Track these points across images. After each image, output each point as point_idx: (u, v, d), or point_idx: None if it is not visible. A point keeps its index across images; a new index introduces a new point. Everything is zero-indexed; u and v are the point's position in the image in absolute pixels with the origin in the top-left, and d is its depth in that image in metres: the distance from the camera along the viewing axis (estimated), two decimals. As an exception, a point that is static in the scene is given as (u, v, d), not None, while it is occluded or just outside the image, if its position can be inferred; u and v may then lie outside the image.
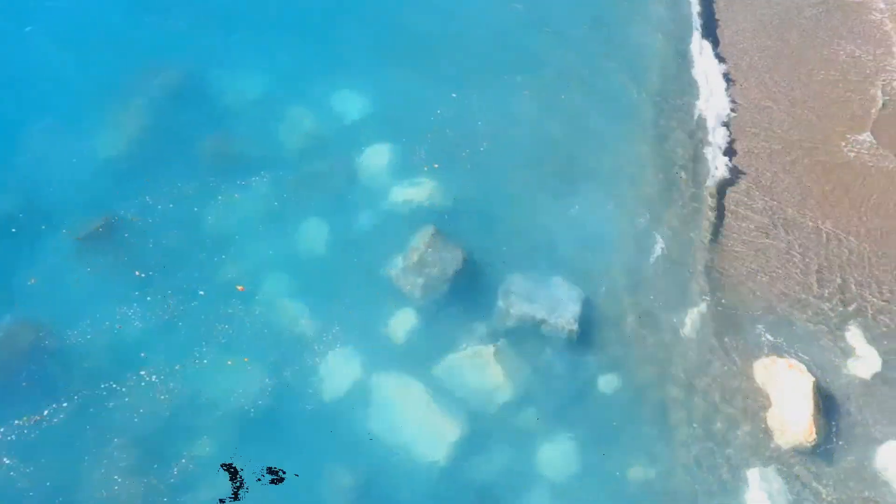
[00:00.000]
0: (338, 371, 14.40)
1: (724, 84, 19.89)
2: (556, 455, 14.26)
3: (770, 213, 17.78)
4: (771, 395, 15.17)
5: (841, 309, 16.42)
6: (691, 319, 16.05)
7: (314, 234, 15.90)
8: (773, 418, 14.94)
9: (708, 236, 17.26)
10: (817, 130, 19.24)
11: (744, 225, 17.58)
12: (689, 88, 19.78)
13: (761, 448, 14.75)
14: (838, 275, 16.91)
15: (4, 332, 13.86)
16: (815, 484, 14.44)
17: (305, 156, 16.99)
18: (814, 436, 14.54)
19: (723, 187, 18.13)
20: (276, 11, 19.33)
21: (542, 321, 15.32)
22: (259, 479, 13.12)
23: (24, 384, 13.53)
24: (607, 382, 15.15)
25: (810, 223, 17.66)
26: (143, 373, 13.88)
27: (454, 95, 18.37)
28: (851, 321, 16.28)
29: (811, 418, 14.61)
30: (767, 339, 15.92)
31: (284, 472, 13.21)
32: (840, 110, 19.68)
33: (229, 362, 14.16)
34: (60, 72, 17.31)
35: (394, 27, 19.43)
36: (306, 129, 17.37)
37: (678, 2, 21.55)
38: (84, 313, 14.37)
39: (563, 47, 19.91)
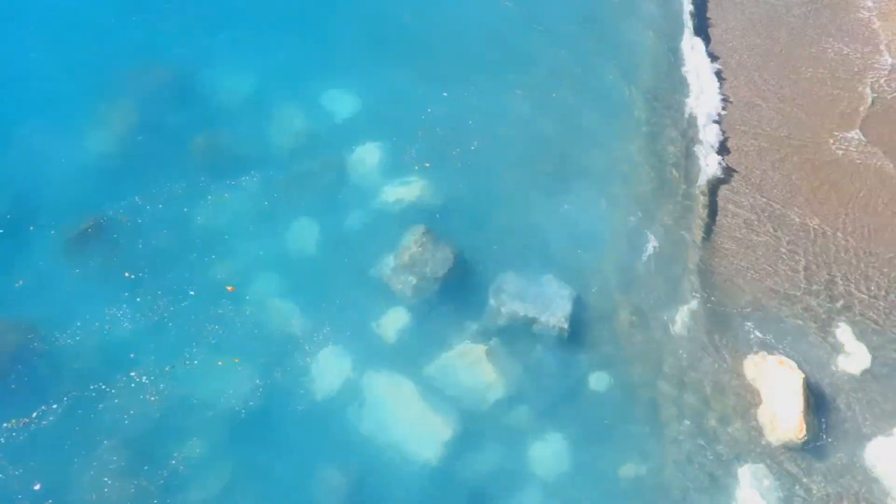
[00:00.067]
0: (329, 371, 14.37)
1: (714, 82, 19.96)
2: (548, 453, 14.28)
3: (759, 210, 17.85)
4: (761, 392, 15.23)
5: (830, 306, 16.50)
6: (682, 317, 16.09)
7: (305, 234, 15.87)
8: (764, 415, 15.00)
9: (699, 234, 17.31)
10: (806, 128, 19.33)
11: (734, 222, 17.64)
12: (679, 86, 19.85)
13: (752, 445, 14.80)
14: (827, 272, 16.99)
15: (-7, 334, 13.78)
16: (805, 480, 14.51)
17: (296, 155, 16.94)
18: (804, 432, 14.60)
19: (713, 185, 18.19)
20: (266, 10, 19.27)
21: (534, 320, 15.33)
22: None
23: (12, 386, 13.44)
24: (599, 380, 15.17)
25: (799, 220, 17.74)
26: (132, 374, 13.81)
27: (445, 94, 18.36)
28: (841, 318, 16.36)
29: (801, 415, 14.67)
30: (757, 336, 15.98)
31: None
32: (828, 108, 19.77)
33: (220, 363, 14.12)
34: (49, 71, 17.20)
35: (384, 26, 19.42)
36: (297, 129, 17.34)
37: (669, 0, 21.61)
38: (73, 314, 14.30)
39: (555, 45, 19.93)
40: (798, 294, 16.59)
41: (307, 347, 14.56)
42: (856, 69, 20.59)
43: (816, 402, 15.20)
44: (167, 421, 13.46)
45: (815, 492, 14.38)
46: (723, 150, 18.79)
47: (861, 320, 16.35)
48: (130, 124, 16.70)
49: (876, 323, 16.35)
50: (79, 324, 14.20)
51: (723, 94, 19.79)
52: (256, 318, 14.68)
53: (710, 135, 18.93)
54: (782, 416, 14.74)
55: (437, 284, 15.43)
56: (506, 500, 13.84)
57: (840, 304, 16.54)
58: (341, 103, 17.85)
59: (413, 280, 15.32)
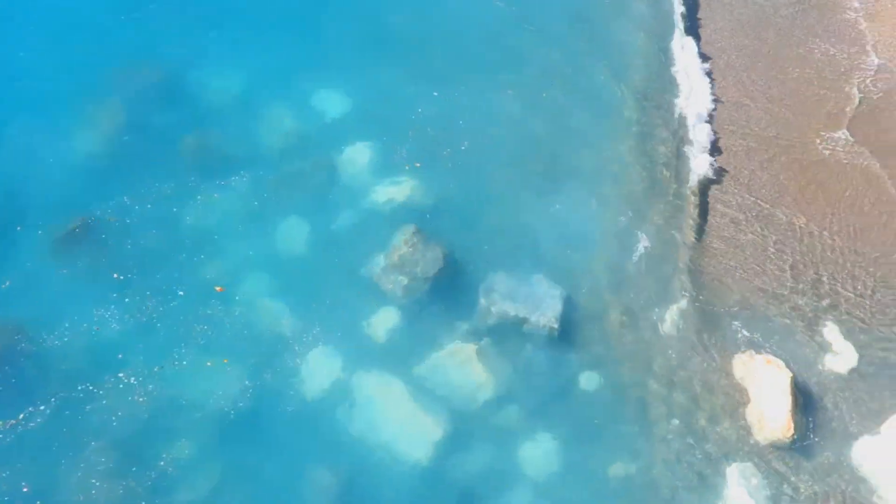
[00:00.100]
0: (319, 371, 14.34)
1: (703, 82, 20.03)
2: (538, 452, 14.30)
3: (748, 209, 17.94)
4: (749, 391, 15.30)
5: (817, 304, 16.61)
6: (671, 316, 16.15)
7: (294, 234, 15.83)
8: (752, 414, 15.08)
9: (689, 234, 17.38)
10: (794, 128, 19.45)
11: (723, 222, 17.73)
12: (670, 86, 19.91)
13: (740, 444, 14.87)
14: (814, 271, 17.10)
15: (-21, 335, 13.69)
16: (793, 479, 14.60)
17: (286, 155, 16.90)
18: (792, 431, 14.68)
19: (703, 185, 18.25)
20: (256, 9, 19.21)
21: (524, 319, 15.36)
22: None
23: (-1, 387, 13.36)
24: (588, 380, 15.20)
25: (787, 219, 17.84)
26: (121, 375, 13.75)
27: (436, 94, 18.35)
28: (828, 316, 16.46)
29: (789, 414, 14.76)
30: (746, 336, 16.06)
31: None
32: (815, 108, 19.90)
33: (209, 363, 14.06)
34: (36, 70, 17.12)
35: (375, 25, 19.39)
36: (287, 128, 17.30)
37: (659, 0, 21.68)
38: (61, 315, 14.21)
39: (545, 45, 19.96)
40: (786, 293, 16.70)
41: (297, 348, 14.53)
42: (842, 69, 20.73)
43: (804, 401, 15.29)
44: (155, 422, 13.40)
45: (802, 490, 14.48)
46: (712, 150, 18.86)
47: (848, 319, 16.47)
48: (119, 123, 16.61)
49: (863, 322, 16.47)
50: (66, 324, 14.12)
51: (712, 95, 19.87)
52: (246, 318, 14.63)
53: (699, 135, 19.00)
54: (770, 415, 14.82)
55: (428, 284, 15.43)
56: (496, 500, 13.85)
57: (827, 302, 16.66)
58: (331, 103, 17.82)
59: (403, 280, 15.31)
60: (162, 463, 13.10)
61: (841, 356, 16.01)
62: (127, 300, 14.47)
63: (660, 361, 15.62)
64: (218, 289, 14.85)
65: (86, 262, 14.81)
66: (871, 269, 17.25)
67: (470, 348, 14.98)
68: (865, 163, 18.95)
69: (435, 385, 14.56)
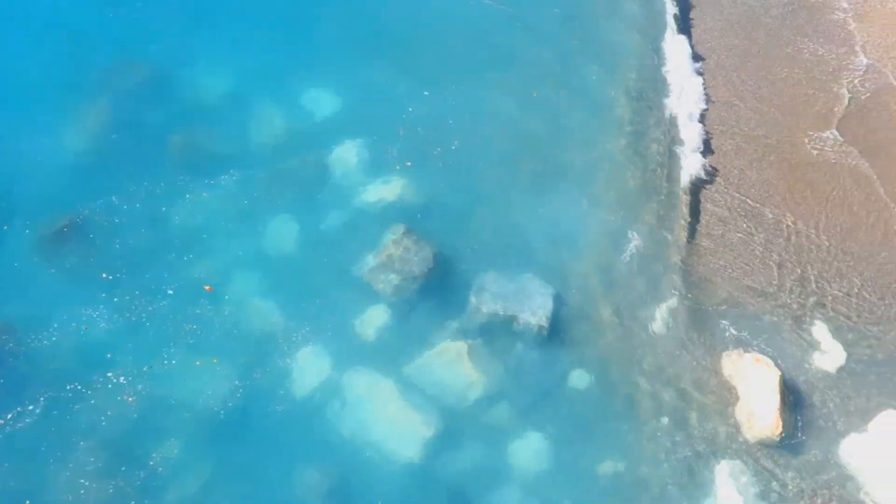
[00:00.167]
0: (309, 370, 14.33)
1: (694, 82, 20.09)
2: (528, 450, 14.34)
3: (737, 209, 18.02)
4: (738, 389, 15.39)
5: (805, 303, 16.71)
6: (661, 315, 16.22)
7: (284, 233, 15.79)
8: (741, 412, 15.17)
9: (679, 233, 17.45)
10: (783, 128, 19.54)
11: (713, 221, 17.80)
12: (661, 86, 19.98)
13: (729, 441, 14.96)
14: (803, 270, 17.20)
15: (-34, 336, 13.61)
16: (781, 476, 14.69)
17: (276, 154, 16.85)
18: (780, 429, 14.77)
19: (693, 184, 18.34)
20: (246, 7, 19.15)
21: (515, 318, 15.38)
22: None
23: (-13, 387, 13.29)
24: (578, 378, 15.26)
25: (776, 219, 17.93)
26: (110, 374, 13.68)
27: (426, 93, 18.34)
28: (816, 315, 16.57)
29: (778, 412, 14.84)
30: (735, 334, 16.15)
31: None
32: (805, 108, 20.00)
33: (198, 363, 14.02)
34: (23, 67, 16.98)
35: (365, 24, 19.35)
36: (277, 127, 17.24)
37: (650, 0, 21.75)
38: (49, 315, 14.13)
39: (537, 44, 20.00)
40: (774, 292, 16.78)
41: (287, 347, 14.50)
42: (831, 69, 20.84)
43: (792, 399, 15.39)
44: (145, 422, 13.35)
45: (790, 488, 14.57)
46: (702, 149, 18.94)
47: (836, 317, 16.58)
48: (107, 122, 16.52)
49: (850, 320, 16.58)
50: (55, 324, 14.03)
51: (702, 95, 19.93)
52: (235, 317, 14.59)
53: (690, 134, 19.09)
54: (759, 414, 14.91)
55: (418, 283, 15.43)
56: (486, 498, 13.88)
57: (815, 301, 16.76)
58: (321, 102, 17.78)
59: (393, 279, 15.31)
60: (151, 462, 13.06)
61: (829, 354, 16.12)
62: (115, 299, 14.40)
63: (649, 360, 15.68)
64: (207, 288, 14.80)
65: (74, 262, 14.72)
66: (859, 268, 17.36)
67: (460, 347, 14.99)
68: (854, 162, 19.07)
69: (425, 384, 14.57)
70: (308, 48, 18.70)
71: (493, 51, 19.62)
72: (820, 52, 21.20)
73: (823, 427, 15.32)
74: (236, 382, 13.97)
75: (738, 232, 17.63)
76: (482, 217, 16.88)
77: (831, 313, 16.61)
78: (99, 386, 13.58)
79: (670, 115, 19.45)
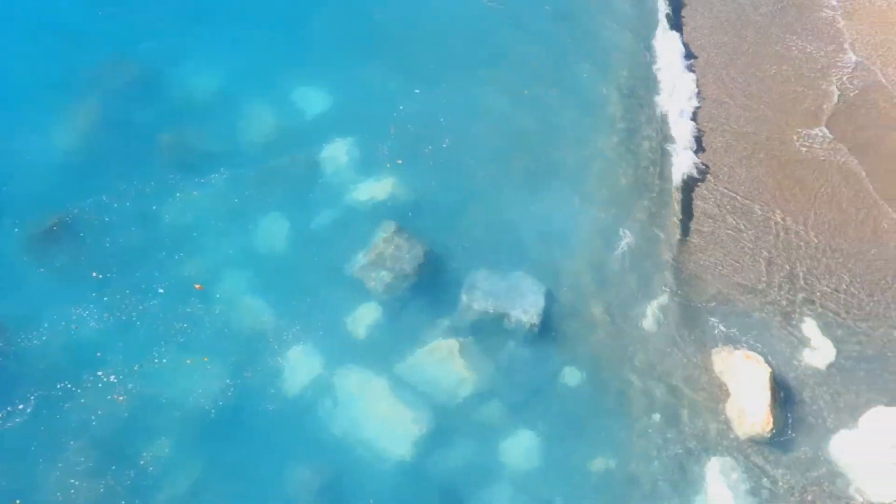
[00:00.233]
0: (300, 369, 14.31)
1: (685, 79, 20.14)
2: (520, 448, 14.36)
3: (727, 205, 18.07)
4: (729, 386, 15.44)
5: (795, 300, 16.77)
6: (653, 312, 16.26)
7: (275, 231, 15.76)
8: (732, 409, 15.22)
9: (670, 230, 17.49)
10: (772, 125, 19.61)
11: (703, 218, 17.85)
12: (652, 84, 20.03)
13: (720, 438, 15.02)
14: (792, 267, 17.27)
15: (-45, 335, 13.54)
16: (772, 472, 14.76)
17: (266, 152, 16.81)
18: (771, 426, 14.83)
19: (683, 181, 18.37)
20: (236, 4, 19.10)
21: (506, 316, 15.40)
22: None
23: (-24, 387, 13.23)
24: (570, 375, 15.28)
25: (765, 215, 18.00)
26: (100, 373, 13.64)
27: (417, 91, 18.33)
28: (806, 312, 16.64)
29: (768, 409, 14.90)
30: (726, 331, 16.21)
31: None
32: (794, 105, 20.08)
33: (189, 361, 13.98)
34: (12, 66, 16.89)
35: (356, 21, 19.34)
36: (267, 125, 17.20)
37: (642, -1, 21.86)
38: (39, 314, 14.07)
39: (529, 42, 20.01)
40: (764, 289, 16.85)
41: (277, 345, 14.47)
42: (820, 67, 20.93)
43: (783, 395, 15.45)
44: (135, 421, 13.31)
45: (781, 484, 14.64)
46: (692, 147, 18.98)
47: (825, 314, 16.65)
48: (97, 120, 16.45)
49: (840, 316, 16.66)
50: (45, 323, 13.98)
51: (692, 92, 19.98)
52: (226, 316, 14.56)
53: (681, 132, 19.13)
54: (750, 410, 14.96)
55: (409, 281, 15.42)
56: (478, 495, 13.89)
57: (805, 298, 16.83)
58: (312, 100, 17.75)
59: (385, 277, 15.30)
60: (142, 462, 13.03)
61: (819, 351, 16.19)
62: (106, 298, 14.35)
63: (640, 357, 15.72)
64: (197, 286, 14.76)
65: (64, 261, 14.67)
66: (848, 265, 17.45)
67: (451, 345, 14.99)
68: (843, 159, 19.15)
69: (416, 382, 14.57)
70: (299, 46, 18.66)
71: (484, 48, 19.62)
72: (809, 50, 21.29)
73: (813, 423, 15.39)
74: (227, 381, 13.94)
75: (728, 229, 17.70)
76: (473, 215, 16.88)
77: (820, 310, 16.69)
78: (89, 385, 13.53)
79: (661, 112, 19.50)
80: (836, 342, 16.28)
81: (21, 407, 13.16)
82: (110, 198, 15.42)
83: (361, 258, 15.51)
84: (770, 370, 15.35)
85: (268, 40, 18.47)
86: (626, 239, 17.14)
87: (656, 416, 15.05)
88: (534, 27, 20.34)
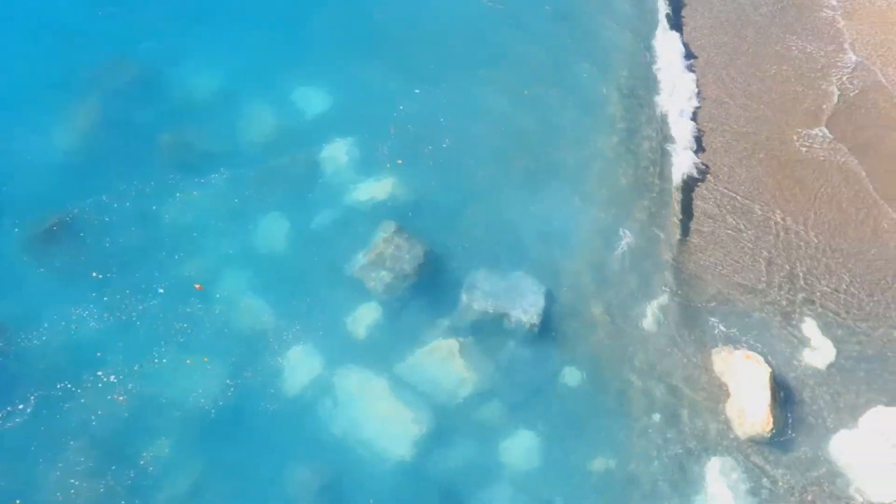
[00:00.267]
0: (300, 369, 14.30)
1: (685, 79, 20.14)
2: (520, 448, 14.36)
3: (727, 205, 18.07)
4: (729, 386, 15.44)
5: (795, 300, 16.77)
6: (652, 312, 16.26)
7: (275, 231, 15.76)
8: (732, 409, 15.22)
9: (670, 230, 17.49)
10: (773, 125, 19.61)
11: (702, 218, 17.85)
12: (652, 84, 20.03)
13: (720, 438, 15.02)
14: (792, 267, 17.27)
15: (-45, 335, 13.54)
16: (772, 472, 14.76)
17: (266, 152, 16.81)
18: (771, 426, 14.83)
19: (683, 182, 18.38)
20: (236, 4, 19.10)
21: (506, 315, 15.40)
22: None
23: (-24, 387, 13.23)
24: (570, 375, 15.28)
25: (765, 215, 18.00)
26: (100, 373, 13.64)
27: (417, 91, 18.33)
28: (806, 312, 16.64)
29: (768, 409, 14.90)
30: (726, 331, 16.20)
31: None
32: (794, 105, 20.08)
33: (189, 361, 13.98)
34: (12, 66, 16.88)
35: (357, 21, 19.35)
36: (267, 125, 17.21)
37: (642, -1, 21.87)
38: (39, 314, 14.07)
39: (529, 42, 20.02)
40: (764, 289, 16.85)
41: (277, 345, 14.47)
42: (820, 67, 20.93)
43: (783, 395, 15.45)
44: (135, 421, 13.31)
45: (781, 484, 14.64)
46: (693, 147, 18.99)
47: (825, 314, 16.65)
48: (97, 120, 16.45)
49: (840, 316, 16.66)
50: (45, 323, 13.98)
51: (693, 92, 19.99)
52: (226, 316, 14.55)
53: (681, 131, 19.13)
54: (750, 410, 14.96)
55: (409, 281, 15.42)
56: (478, 495, 13.88)
57: (805, 298, 16.83)
58: (312, 100, 17.76)
59: (385, 277, 15.30)
60: (142, 462, 13.02)
61: (819, 351, 16.19)
62: (106, 298, 14.35)
63: (641, 357, 15.72)
64: (197, 286, 14.76)
65: (64, 261, 14.67)
66: (848, 265, 17.45)
67: (451, 345, 14.98)
68: (843, 159, 19.16)
69: (416, 382, 14.57)
70: (299, 46, 18.66)
71: (484, 48, 19.63)
72: (809, 50, 21.30)
73: (813, 423, 15.39)
74: (227, 381, 13.94)
75: (728, 229, 17.70)
76: (474, 215, 16.88)
77: (820, 310, 16.69)
78: (89, 385, 13.53)
79: (661, 112, 19.50)
80: (836, 342, 16.28)
81: (21, 407, 13.16)
82: (110, 198, 15.42)
83: (361, 258, 15.51)
84: (770, 370, 15.35)
85: (268, 40, 18.47)
86: (626, 239, 17.14)
87: (656, 416, 15.05)
88: (534, 27, 20.35)
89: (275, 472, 13.40)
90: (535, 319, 15.45)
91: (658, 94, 19.84)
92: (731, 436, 15.04)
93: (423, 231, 16.07)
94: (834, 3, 22.54)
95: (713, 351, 15.90)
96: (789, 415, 15.35)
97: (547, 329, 15.59)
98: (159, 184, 15.77)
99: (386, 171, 16.90)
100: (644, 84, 20.00)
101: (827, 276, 17.19)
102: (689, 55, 20.75)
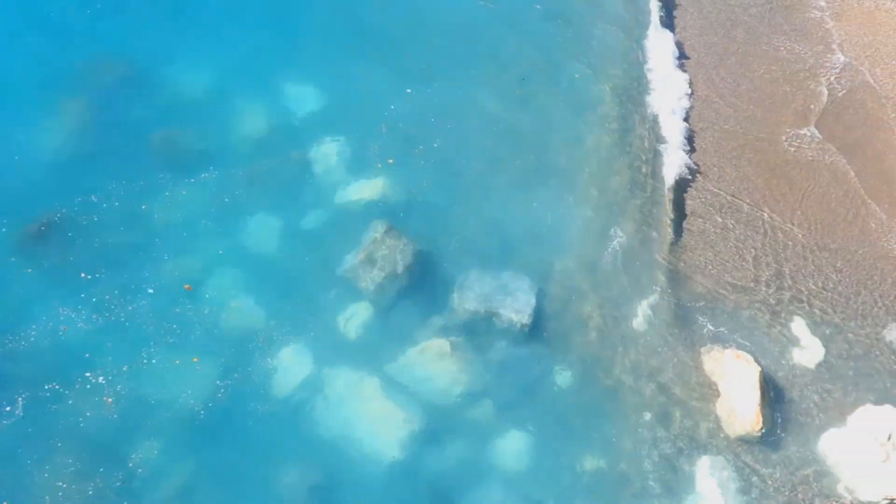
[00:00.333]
0: (291, 369, 14.24)
1: (676, 79, 20.21)
2: (511, 447, 14.35)
3: (717, 205, 18.15)
4: (719, 385, 15.50)
5: (785, 299, 16.86)
6: (643, 311, 16.29)
7: (266, 231, 15.68)
8: (722, 408, 15.28)
9: (661, 229, 17.54)
10: (762, 125, 19.70)
11: (693, 217, 17.92)
12: (644, 83, 20.07)
13: (711, 437, 15.07)
14: (782, 266, 17.36)
15: (-59, 336, 13.43)
16: (762, 471, 14.83)
17: (257, 151, 16.73)
18: (761, 425, 14.89)
19: (675, 181, 18.41)
20: (227, 3, 18.99)
21: (498, 315, 15.40)
22: None
23: (-37, 389, 13.11)
24: (561, 374, 15.30)
25: (755, 215, 18.08)
26: (89, 375, 13.54)
27: (409, 90, 18.30)
28: (795, 311, 16.73)
29: (758, 408, 14.96)
30: (716, 330, 16.27)
31: None
32: (783, 105, 20.19)
33: (178, 362, 13.90)
34: (0, 64, 16.73)
35: (348, 20, 19.29)
36: (258, 124, 17.12)
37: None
38: (27, 315, 13.95)
39: (521, 41, 20.02)
40: (754, 288, 16.93)
41: (268, 346, 14.39)
42: (809, 67, 21.05)
43: (773, 394, 15.53)
44: (124, 422, 13.21)
45: (770, 483, 14.71)
46: (682, 147, 19.05)
47: (815, 313, 16.75)
48: (86, 119, 16.33)
49: (829, 315, 16.76)
50: (33, 324, 13.86)
51: (683, 92, 20.05)
52: (216, 316, 14.46)
53: (672, 131, 19.20)
54: (740, 409, 15.02)
55: (400, 281, 15.40)
56: (469, 495, 13.87)
57: (795, 297, 16.92)
58: (304, 99, 17.69)
59: (376, 277, 15.27)
60: (131, 464, 12.93)
61: (808, 350, 16.29)
62: (94, 299, 14.23)
63: (632, 356, 15.75)
64: (186, 287, 14.68)
65: (53, 261, 14.54)
66: (837, 265, 17.56)
67: (443, 344, 14.95)
68: (831, 159, 19.28)
69: (408, 381, 14.54)
70: (290, 45, 18.60)
71: (476, 48, 19.62)
72: (798, 50, 21.41)
73: (803, 422, 15.48)
74: (217, 382, 13.85)
75: (718, 228, 17.77)
76: (465, 214, 16.87)
77: (809, 309, 16.79)
78: (78, 386, 13.42)
79: (652, 112, 19.54)
80: (825, 341, 16.39)
81: (8, 409, 13.03)
82: (99, 197, 15.30)
83: (352, 258, 15.47)
84: (760, 369, 15.42)
85: (259, 38, 18.39)
86: (618, 238, 17.18)
87: (647, 416, 15.09)
88: (526, 26, 20.37)
89: (265, 473, 13.35)
90: (527, 319, 15.46)
91: (649, 93, 19.91)
92: (722, 435, 15.10)
93: (415, 231, 16.04)
94: (822, 4, 22.67)
95: (703, 350, 15.96)
96: (779, 414, 15.43)
97: (538, 329, 15.61)
98: (149, 183, 15.66)
99: (377, 171, 16.87)
100: (636, 84, 20.06)
101: (815, 275, 17.29)
102: (680, 55, 20.82)
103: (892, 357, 16.46)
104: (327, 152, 16.97)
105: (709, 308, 16.51)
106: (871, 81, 20.87)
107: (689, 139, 19.19)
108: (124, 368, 13.67)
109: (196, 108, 17.04)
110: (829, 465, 15.01)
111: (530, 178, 17.62)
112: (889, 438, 14.91)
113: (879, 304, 17.10)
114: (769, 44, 21.51)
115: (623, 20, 21.34)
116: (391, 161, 17.07)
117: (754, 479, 14.71)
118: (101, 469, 12.79)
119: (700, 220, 17.87)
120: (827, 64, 21.16)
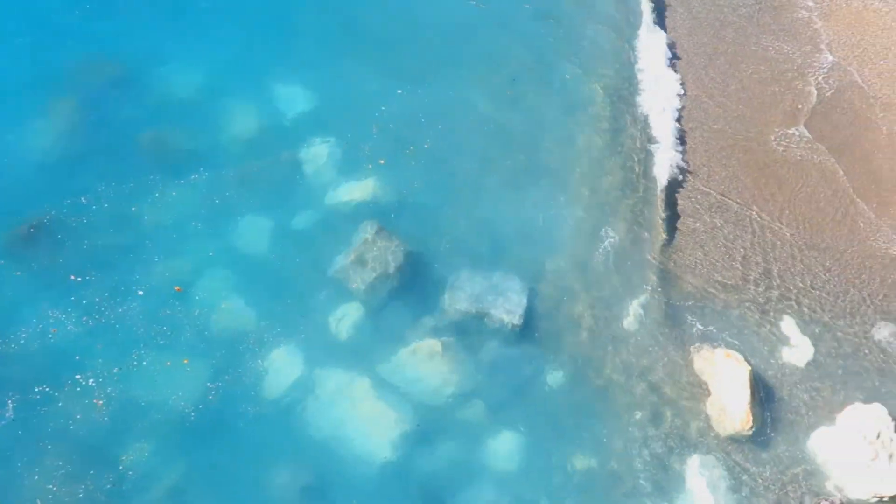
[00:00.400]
0: (282, 371, 14.21)
1: (666, 79, 20.27)
2: (503, 447, 14.37)
3: (708, 205, 18.20)
4: (710, 385, 15.55)
5: (774, 298, 16.94)
6: (634, 311, 16.32)
7: (256, 232, 15.65)
8: (712, 407, 15.33)
9: (652, 229, 17.59)
10: (751, 125, 19.78)
11: (683, 217, 17.96)
12: (634, 83, 20.11)
13: (701, 436, 15.11)
14: (772, 265, 17.43)
15: (-70, 339, 13.36)
16: (752, 470, 14.89)
17: (247, 152, 16.71)
18: (751, 424, 14.94)
19: (663, 181, 18.45)
20: (218, 2, 18.95)
21: (489, 315, 15.41)
22: None
23: (-49, 392, 13.04)
24: (552, 374, 15.31)
25: (745, 214, 18.15)
26: (78, 377, 13.49)
27: (400, 91, 18.30)
28: (785, 310, 16.80)
29: (748, 407, 15.01)
30: (706, 329, 16.31)
31: None
32: (772, 105, 20.27)
33: (168, 364, 13.86)
34: (-11, 65, 16.70)
35: (339, 20, 19.28)
36: (248, 125, 17.09)
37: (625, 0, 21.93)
38: (16, 318, 13.89)
39: (512, 41, 20.03)
40: (743, 287, 17.00)
41: (259, 347, 14.37)
42: (797, 67, 21.14)
43: (763, 393, 15.59)
44: (115, 424, 13.17)
45: (761, 481, 14.78)
46: (673, 146, 19.10)
47: (804, 312, 16.83)
48: (76, 120, 16.28)
49: (818, 314, 16.84)
50: (23, 327, 13.80)
51: (673, 92, 20.11)
52: (206, 318, 14.43)
53: (663, 131, 19.22)
54: (730, 409, 15.07)
55: (392, 281, 15.40)
56: (461, 495, 13.89)
57: (784, 296, 16.99)
58: (294, 99, 17.67)
59: (366, 277, 15.27)
60: (121, 466, 12.89)
61: (798, 349, 16.36)
62: (84, 301, 14.19)
63: (623, 356, 15.79)
64: (176, 288, 14.65)
65: (42, 263, 14.49)
66: (826, 264, 17.64)
67: (434, 345, 14.96)
68: (820, 159, 19.37)
69: (399, 382, 14.54)
70: (281, 45, 18.57)
71: (467, 48, 19.62)
72: (786, 50, 21.51)
73: (793, 421, 15.55)
74: (208, 383, 13.82)
75: (707, 227, 17.83)
76: (456, 215, 16.87)
77: (798, 307, 16.87)
78: (68, 389, 13.37)
79: (643, 112, 19.58)
80: (814, 340, 16.46)
81: (-2, 411, 13.00)
82: (89, 199, 15.25)
83: (343, 259, 15.46)
84: (750, 368, 15.48)
85: (250, 39, 18.37)
86: (609, 238, 17.21)
87: (638, 415, 15.12)
88: (517, 26, 20.37)
89: (257, 475, 13.33)
90: (518, 319, 15.48)
91: (640, 93, 19.94)
92: (712, 434, 15.15)
93: (406, 231, 16.05)
94: (810, 4, 22.77)
95: (693, 349, 16.01)
96: (768, 412, 15.50)
97: (529, 329, 15.63)
98: (139, 184, 15.61)
99: (368, 171, 16.86)
100: (627, 84, 20.09)
101: (804, 274, 17.38)
102: (670, 56, 20.88)
103: (881, 355, 16.55)
104: (318, 153, 16.95)
105: (699, 307, 16.57)
106: (860, 81, 20.98)
107: (680, 139, 19.25)
108: (114, 370, 13.64)
109: (186, 108, 17.00)
110: (818, 464, 15.08)
111: (521, 179, 17.64)
112: (878, 436, 14.98)
113: (868, 303, 17.20)
114: (758, 44, 21.60)
115: (614, 20, 21.39)
116: (382, 162, 17.06)
117: (744, 477, 14.78)
118: (92, 471, 12.75)
119: (690, 219, 17.93)
120: (815, 64, 21.26)
